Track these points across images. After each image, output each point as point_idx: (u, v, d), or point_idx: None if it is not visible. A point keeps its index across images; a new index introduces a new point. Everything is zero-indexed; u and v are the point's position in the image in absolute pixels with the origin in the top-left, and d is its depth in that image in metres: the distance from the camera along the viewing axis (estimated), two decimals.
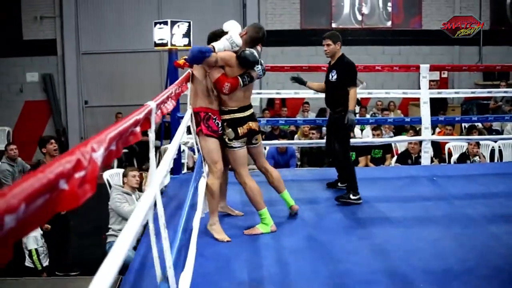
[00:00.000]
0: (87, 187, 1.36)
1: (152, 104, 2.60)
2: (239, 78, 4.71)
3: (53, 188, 1.20)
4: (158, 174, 2.72)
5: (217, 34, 4.89)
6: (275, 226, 4.87)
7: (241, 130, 4.84)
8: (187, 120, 4.72)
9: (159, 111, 2.83)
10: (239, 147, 4.88)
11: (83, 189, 1.34)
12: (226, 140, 4.85)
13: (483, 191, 6.24)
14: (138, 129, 2.20)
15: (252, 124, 4.93)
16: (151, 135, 2.59)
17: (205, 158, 4.89)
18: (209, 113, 4.81)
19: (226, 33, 4.76)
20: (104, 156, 1.54)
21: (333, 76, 5.96)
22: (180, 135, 4.19)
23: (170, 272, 2.80)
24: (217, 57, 4.62)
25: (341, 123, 5.83)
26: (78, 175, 1.32)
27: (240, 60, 4.72)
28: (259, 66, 4.88)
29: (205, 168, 4.93)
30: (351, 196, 5.75)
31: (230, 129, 4.83)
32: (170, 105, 3.26)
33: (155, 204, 2.57)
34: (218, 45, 4.68)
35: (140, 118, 2.24)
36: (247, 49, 4.78)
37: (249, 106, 4.96)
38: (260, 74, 4.91)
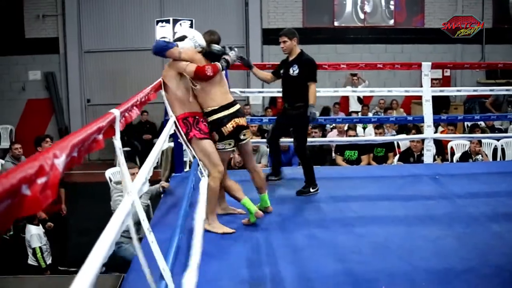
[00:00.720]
0: (48, 192, 1.37)
1: (116, 112, 2.61)
2: (217, 63, 4.80)
3: (16, 193, 1.20)
4: (137, 181, 2.73)
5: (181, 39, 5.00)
6: (260, 212, 4.90)
7: (225, 130, 4.87)
8: (169, 128, 4.72)
9: (123, 118, 2.83)
10: (222, 149, 4.91)
11: (45, 194, 1.34)
12: None
13: (485, 190, 6.23)
14: (101, 136, 2.20)
15: (239, 120, 4.94)
16: (117, 142, 2.59)
17: (203, 162, 4.86)
18: (197, 117, 4.84)
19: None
20: (65, 163, 1.55)
21: (295, 71, 6.03)
22: (161, 144, 4.17)
23: (166, 274, 2.80)
24: (180, 50, 4.76)
25: (301, 120, 5.99)
26: (40, 180, 1.33)
27: (208, 56, 4.86)
28: (232, 52, 5.01)
29: (204, 171, 4.91)
30: (311, 190, 6.08)
31: (213, 132, 4.89)
32: (134, 113, 3.25)
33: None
34: (181, 43, 4.85)
35: (103, 125, 2.25)
36: (211, 45, 4.93)
37: (233, 103, 4.98)
38: (235, 59, 5.05)
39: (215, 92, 4.86)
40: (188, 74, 4.78)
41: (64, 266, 7.40)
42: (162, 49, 4.80)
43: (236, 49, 5.11)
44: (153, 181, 7.73)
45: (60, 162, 1.49)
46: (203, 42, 4.90)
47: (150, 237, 2.73)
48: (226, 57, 4.91)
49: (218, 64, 4.79)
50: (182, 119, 4.80)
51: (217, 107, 4.86)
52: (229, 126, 4.86)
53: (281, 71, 6.23)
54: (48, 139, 7.79)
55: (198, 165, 4.93)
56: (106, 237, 1.83)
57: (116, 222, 2.06)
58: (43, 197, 1.33)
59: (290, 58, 6.11)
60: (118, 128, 2.59)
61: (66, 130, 14.93)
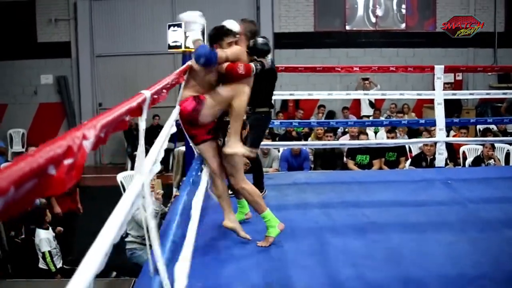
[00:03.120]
0: (73, 173, 1.35)
1: (147, 93, 2.60)
2: (251, 64, 4.40)
3: (42, 173, 1.19)
4: (147, 161, 2.71)
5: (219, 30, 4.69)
6: (282, 224, 4.58)
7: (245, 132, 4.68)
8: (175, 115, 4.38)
9: (151, 99, 2.81)
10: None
11: (70, 175, 1.33)
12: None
13: (498, 195, 6.18)
14: (128, 117, 2.17)
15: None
16: (142, 123, 2.57)
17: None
18: None
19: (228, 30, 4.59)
20: (93, 144, 1.53)
21: None
22: (169, 127, 4.02)
23: (161, 266, 2.76)
24: (227, 53, 4.38)
25: (258, 122, 5.43)
26: (67, 162, 1.32)
27: (252, 51, 4.51)
28: (269, 56, 4.57)
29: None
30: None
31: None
32: (163, 96, 3.22)
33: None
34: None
35: (133, 106, 2.23)
36: (258, 37, 4.59)
37: None
38: (270, 64, 4.60)
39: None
40: (220, 70, 4.43)
41: (69, 265, 7.43)
42: (211, 57, 4.25)
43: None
44: (166, 184, 7.78)
45: (88, 143, 1.48)
46: (236, 29, 4.59)
47: (152, 224, 2.70)
48: (264, 60, 4.52)
49: (252, 65, 4.38)
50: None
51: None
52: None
53: None
54: None
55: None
56: (114, 220, 1.80)
57: (125, 202, 2.03)
58: (68, 178, 1.32)
59: None
60: (146, 109, 2.57)
61: None
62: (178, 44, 8.16)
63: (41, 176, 1.20)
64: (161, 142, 3.33)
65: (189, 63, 4.66)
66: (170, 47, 8.35)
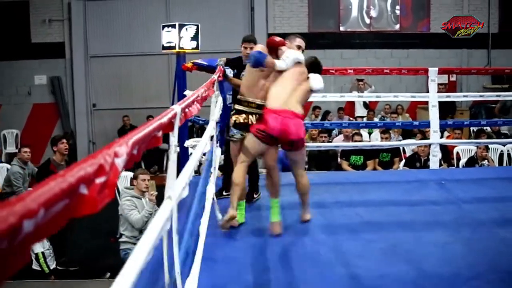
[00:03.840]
0: (106, 192, 1.33)
1: (177, 108, 2.57)
2: None
3: (73, 193, 1.17)
4: (178, 186, 2.68)
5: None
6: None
7: None
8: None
9: (183, 114, 2.79)
10: None
11: (102, 194, 1.31)
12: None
13: (492, 195, 6.20)
14: (160, 133, 2.17)
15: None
16: (173, 138, 2.55)
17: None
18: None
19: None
20: (125, 161, 1.52)
21: None
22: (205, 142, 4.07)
23: (178, 278, 2.77)
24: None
25: None
26: (99, 180, 1.30)
27: (316, 67, 5.24)
28: None
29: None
30: (224, 193, 5.95)
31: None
32: (194, 109, 3.21)
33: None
34: (279, 63, 4.88)
35: (164, 122, 2.22)
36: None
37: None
38: None
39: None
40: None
41: (63, 263, 7.39)
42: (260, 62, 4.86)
43: None
44: (161, 185, 7.75)
45: (120, 161, 1.46)
46: (301, 57, 5.05)
47: (175, 240, 2.69)
48: None
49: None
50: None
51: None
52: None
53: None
54: (64, 140, 7.91)
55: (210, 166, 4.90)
56: (146, 243, 1.80)
57: (155, 227, 2.03)
58: (101, 197, 1.29)
59: None
60: (177, 124, 2.55)
61: (71, 134, 14.95)
62: (172, 44, 8.14)
63: (73, 196, 1.17)
64: (194, 163, 3.33)
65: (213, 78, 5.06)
66: (164, 47, 8.34)
